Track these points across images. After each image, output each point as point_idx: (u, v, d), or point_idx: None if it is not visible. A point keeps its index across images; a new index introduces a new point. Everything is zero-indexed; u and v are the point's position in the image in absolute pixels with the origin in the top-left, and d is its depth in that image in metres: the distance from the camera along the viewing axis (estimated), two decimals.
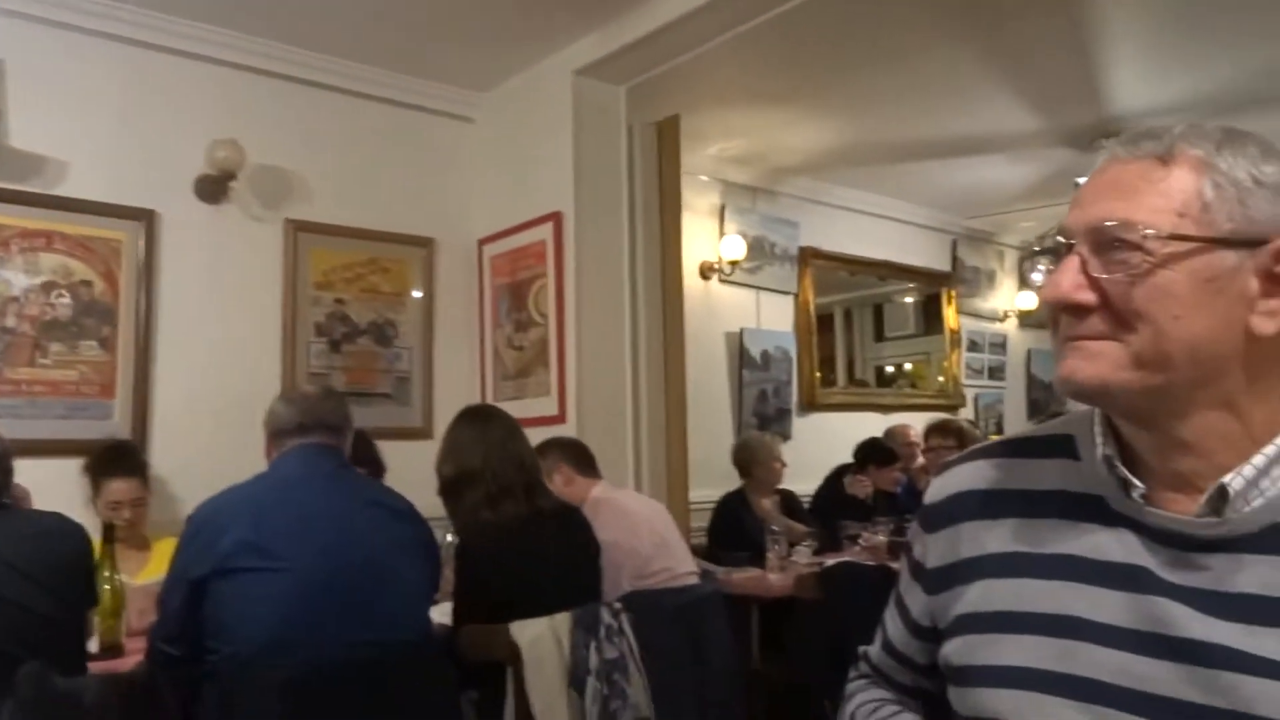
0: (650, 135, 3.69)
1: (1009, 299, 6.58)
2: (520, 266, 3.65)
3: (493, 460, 2.25)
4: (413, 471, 2.73)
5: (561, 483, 2.71)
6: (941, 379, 6.16)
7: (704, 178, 4.81)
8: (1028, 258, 0.85)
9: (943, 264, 6.14)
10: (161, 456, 3.12)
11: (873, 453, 4.48)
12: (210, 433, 3.18)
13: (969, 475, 0.93)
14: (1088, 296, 0.77)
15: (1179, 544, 0.77)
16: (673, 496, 3.55)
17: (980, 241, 6.42)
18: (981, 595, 0.86)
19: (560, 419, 3.39)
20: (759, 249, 5.00)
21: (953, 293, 6.15)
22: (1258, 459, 0.76)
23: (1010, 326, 6.57)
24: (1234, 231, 0.74)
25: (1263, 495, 0.76)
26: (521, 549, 2.20)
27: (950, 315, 6.14)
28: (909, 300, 6.33)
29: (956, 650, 0.87)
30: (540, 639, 2.04)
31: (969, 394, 6.18)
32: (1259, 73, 3.90)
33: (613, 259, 3.52)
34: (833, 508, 4.27)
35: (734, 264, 4.79)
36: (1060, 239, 0.80)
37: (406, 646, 1.90)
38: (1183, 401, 0.77)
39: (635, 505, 2.72)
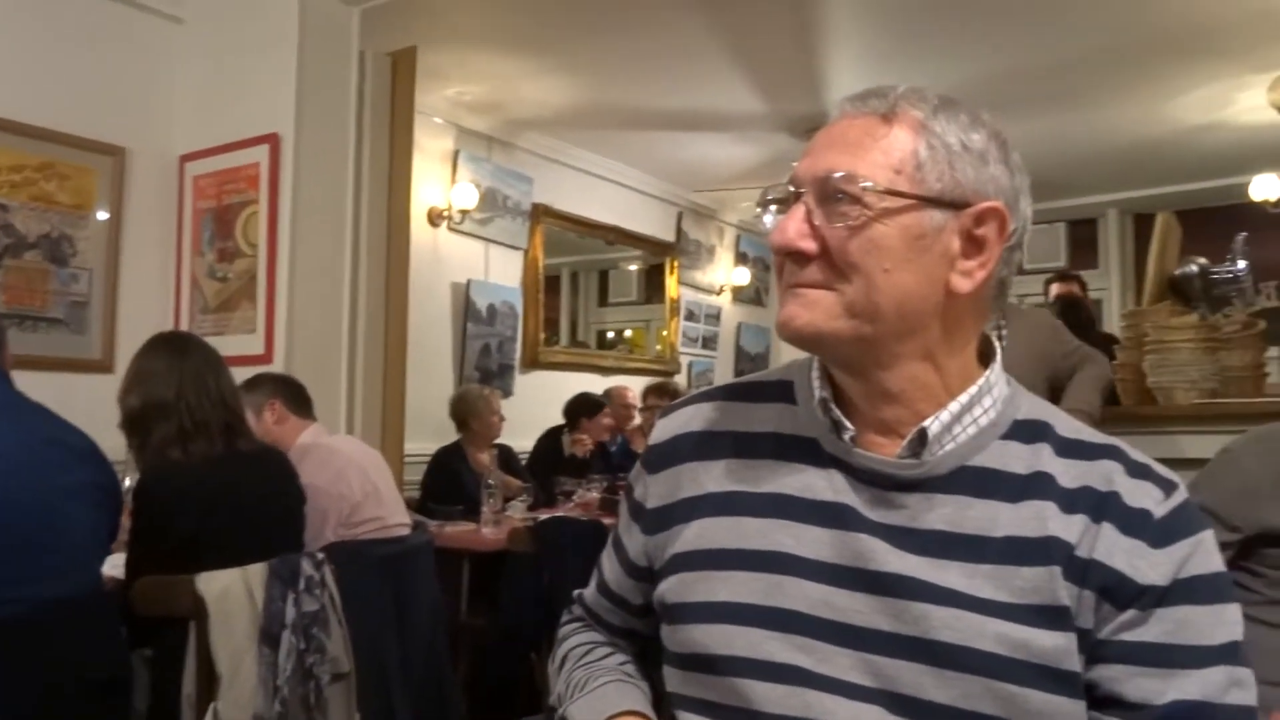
0: (384, 66, 3.48)
1: (726, 274, 6.93)
2: (228, 190, 3.32)
3: (188, 393, 2.02)
4: (87, 410, 2.41)
5: (272, 420, 2.51)
6: (660, 346, 6.39)
7: (439, 120, 4.64)
8: (760, 204, 0.85)
9: (668, 234, 6.35)
10: None
11: (580, 407, 4.59)
12: None
13: (691, 417, 0.94)
14: (810, 245, 0.79)
15: (881, 484, 0.82)
16: (387, 447, 3.41)
17: (704, 216, 6.70)
18: (698, 534, 0.87)
19: (266, 358, 3.14)
20: (491, 201, 4.90)
21: (675, 263, 6.38)
22: (953, 406, 0.82)
23: (725, 300, 6.93)
24: (942, 192, 0.78)
25: (954, 440, 0.82)
26: (210, 493, 2.00)
27: (672, 285, 6.38)
28: (634, 268, 6.50)
29: (671, 588, 0.87)
30: (230, 591, 1.87)
31: (684, 361, 6.46)
32: (973, 80, 4.31)
33: (335, 193, 3.29)
34: (549, 466, 4.31)
35: (465, 213, 4.67)
36: (790, 187, 0.82)
37: (68, 605, 1.67)
38: (889, 352, 0.81)
39: (348, 450, 2.57)
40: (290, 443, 2.47)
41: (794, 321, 0.80)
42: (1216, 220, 5.12)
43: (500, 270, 5.05)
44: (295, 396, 2.61)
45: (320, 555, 2.07)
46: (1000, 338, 2.63)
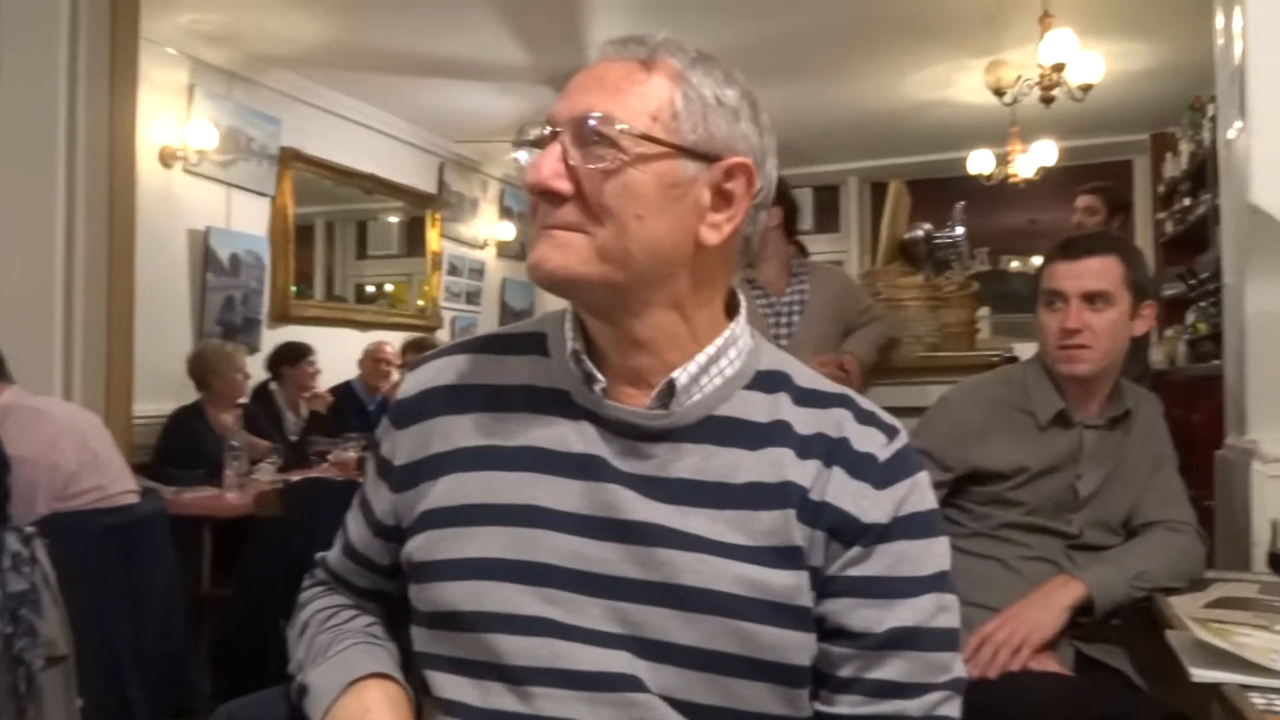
0: None
1: (490, 228, 6.82)
2: None
3: None
4: None
5: None
6: (422, 301, 6.21)
7: (171, 50, 4.21)
8: (516, 142, 0.83)
9: (429, 186, 6.16)
10: None
11: (281, 357, 4.39)
12: None
13: (442, 370, 0.91)
14: (564, 185, 0.78)
15: (631, 434, 0.83)
16: (113, 409, 3.10)
17: (466, 169, 6.55)
18: (448, 489, 0.85)
19: None
20: (233, 142, 4.54)
21: (437, 216, 6.20)
22: (700, 357, 0.84)
23: (489, 255, 6.83)
24: (696, 143, 0.79)
25: (701, 391, 0.84)
26: None
27: (433, 238, 6.20)
28: (394, 220, 6.27)
29: (420, 546, 0.84)
30: None
31: (446, 316, 6.32)
32: (729, 45, 4.40)
33: (44, 122, 2.91)
34: (269, 423, 4.09)
35: (202, 154, 4.29)
36: (547, 127, 0.81)
37: None
38: (640, 300, 0.81)
39: (59, 414, 2.31)
40: None
41: (546, 264, 0.79)
42: (940, 190, 5.61)
43: (245, 218, 4.70)
44: None
45: (29, 530, 1.86)
46: (801, 291, 2.77)
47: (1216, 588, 1.63)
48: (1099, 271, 1.65)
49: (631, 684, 0.77)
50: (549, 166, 0.79)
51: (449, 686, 0.81)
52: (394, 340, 5.07)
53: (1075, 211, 3.99)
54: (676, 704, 0.77)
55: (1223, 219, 2.16)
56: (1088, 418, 1.70)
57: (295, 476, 3.39)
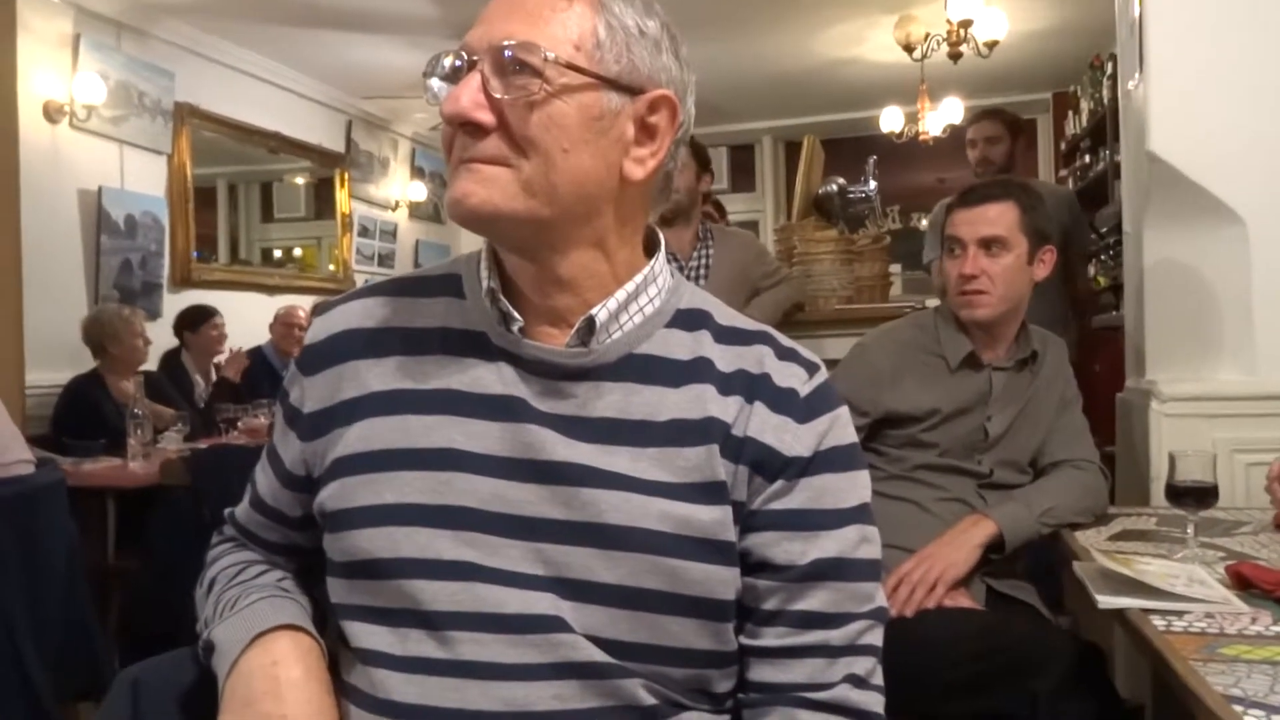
0: None
1: (402, 188, 6.67)
2: None
3: None
4: None
5: None
6: (332, 265, 6.05)
7: None
8: (428, 72, 0.80)
9: (337, 145, 5.98)
10: None
11: (184, 320, 4.26)
12: None
13: (353, 314, 0.87)
14: (486, 116, 0.75)
15: (551, 374, 0.81)
16: (4, 378, 2.96)
17: (376, 127, 6.37)
18: (362, 435, 0.82)
19: None
20: (124, 96, 4.32)
21: (346, 175, 6.03)
22: (620, 294, 0.82)
23: (401, 216, 6.67)
24: (620, 75, 0.77)
25: (621, 329, 0.82)
26: None
27: (343, 199, 6.03)
28: (301, 181, 6.07)
29: (334, 494, 0.81)
30: None
31: (360, 280, 6.17)
32: None
33: None
34: (179, 392, 3.96)
35: (91, 109, 4.08)
36: (463, 55, 0.77)
37: None
38: (564, 237, 0.79)
39: None
40: None
41: (469, 199, 0.76)
42: (853, 148, 5.68)
43: (140, 178, 4.49)
44: None
45: None
46: (708, 247, 2.78)
47: (1119, 522, 1.70)
48: (995, 218, 1.69)
49: (555, 624, 0.76)
50: (469, 96, 0.75)
51: (367, 636, 0.79)
52: (306, 304, 4.93)
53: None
54: (601, 643, 0.76)
55: (1123, 171, 2.22)
56: (996, 360, 1.74)
57: (204, 445, 3.28)
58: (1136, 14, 2.05)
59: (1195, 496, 1.42)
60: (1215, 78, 1.92)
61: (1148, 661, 1.14)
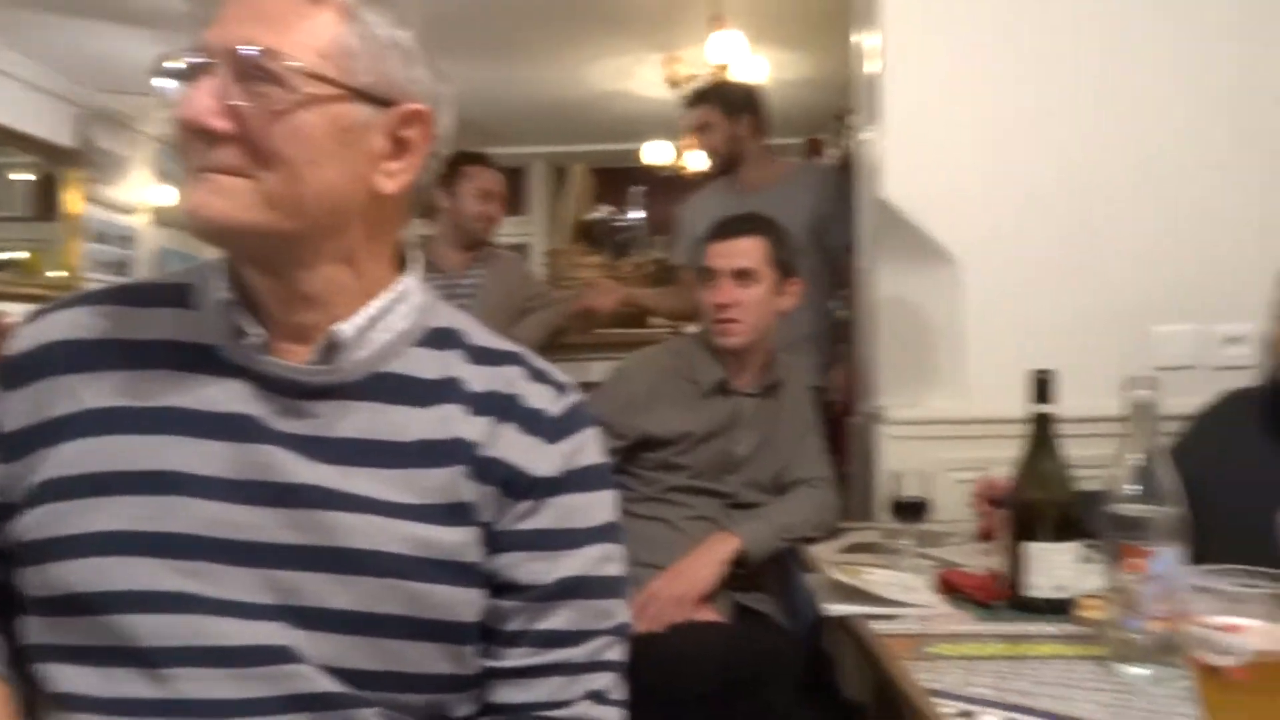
0: None
1: (143, 191, 6.15)
2: None
3: None
4: None
5: None
6: (59, 271, 5.48)
7: None
8: (157, 72, 0.75)
9: (66, 140, 5.43)
10: None
11: None
12: None
13: (65, 324, 0.80)
14: (224, 124, 0.72)
15: (291, 392, 0.78)
16: None
17: (115, 124, 5.85)
18: (73, 457, 0.75)
19: None
20: None
21: (78, 175, 5.49)
22: (368, 311, 0.80)
23: (143, 221, 6.15)
24: (370, 86, 0.76)
25: (368, 346, 0.80)
26: None
27: (73, 200, 5.48)
28: (23, 179, 5.46)
29: (35, 523, 0.74)
30: None
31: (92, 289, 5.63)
32: (423, 15, 4.29)
33: None
34: None
35: None
36: (199, 56, 0.73)
37: None
38: (310, 252, 0.77)
39: None
40: None
41: (204, 210, 0.72)
42: (623, 178, 5.83)
43: None
44: None
45: None
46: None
47: (849, 535, 1.84)
48: (745, 251, 1.80)
49: (283, 655, 0.72)
50: (203, 102, 0.71)
51: (65, 678, 0.72)
52: (17, 311, 4.42)
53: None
54: (335, 672, 0.73)
55: (856, 214, 2.42)
56: (744, 386, 1.84)
57: None
58: (872, 74, 2.25)
59: (914, 511, 1.57)
60: (939, 133, 2.13)
61: (868, 663, 1.24)
